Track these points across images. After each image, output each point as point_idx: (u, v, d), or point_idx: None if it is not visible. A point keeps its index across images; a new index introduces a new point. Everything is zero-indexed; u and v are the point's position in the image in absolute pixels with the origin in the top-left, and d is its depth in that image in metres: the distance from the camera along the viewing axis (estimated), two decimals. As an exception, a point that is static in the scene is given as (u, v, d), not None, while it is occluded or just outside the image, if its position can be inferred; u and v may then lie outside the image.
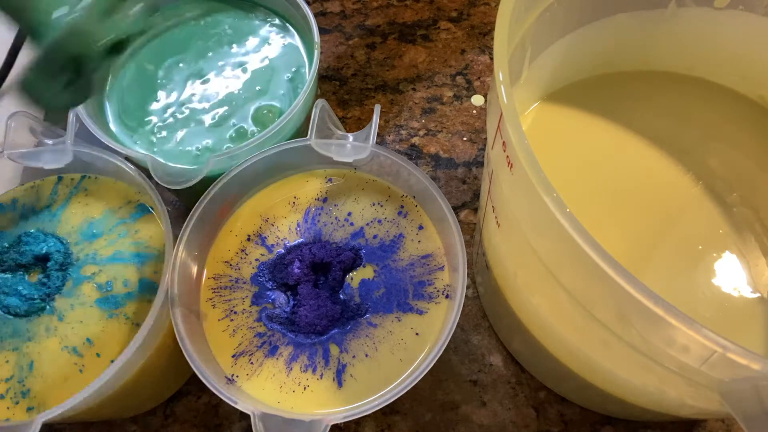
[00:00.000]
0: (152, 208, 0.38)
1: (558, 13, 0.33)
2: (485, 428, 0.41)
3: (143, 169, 0.38)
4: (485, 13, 0.58)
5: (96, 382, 0.31)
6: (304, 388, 0.34)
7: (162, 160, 0.39)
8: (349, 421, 0.41)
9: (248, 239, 0.39)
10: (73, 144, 0.38)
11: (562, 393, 0.41)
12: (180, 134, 0.42)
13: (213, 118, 0.43)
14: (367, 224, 0.39)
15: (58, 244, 0.37)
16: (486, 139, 0.36)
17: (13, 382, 0.34)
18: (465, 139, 0.51)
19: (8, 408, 0.34)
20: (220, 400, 0.41)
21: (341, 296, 0.37)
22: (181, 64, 0.45)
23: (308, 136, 0.38)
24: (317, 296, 0.36)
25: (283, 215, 0.40)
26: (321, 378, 0.34)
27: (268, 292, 0.37)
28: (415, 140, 0.51)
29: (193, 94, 0.44)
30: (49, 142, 0.39)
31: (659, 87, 0.41)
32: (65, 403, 0.31)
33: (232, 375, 0.35)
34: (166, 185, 0.36)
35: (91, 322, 0.35)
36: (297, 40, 0.46)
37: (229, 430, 0.41)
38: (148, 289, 0.36)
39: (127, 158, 0.39)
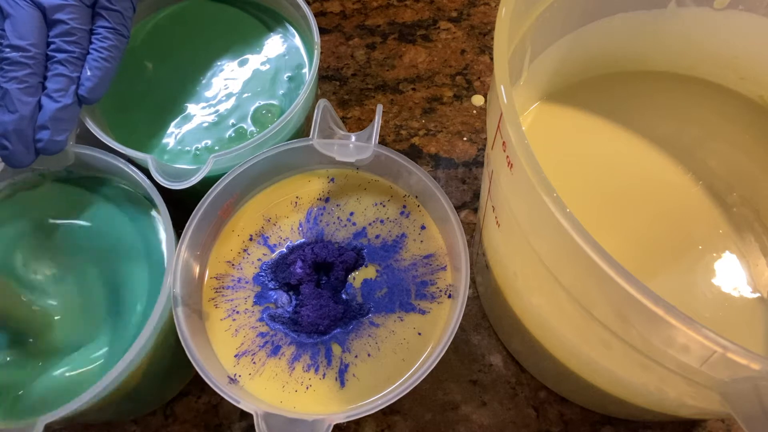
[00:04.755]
0: (154, 208, 0.38)
1: (558, 13, 0.33)
2: (485, 428, 0.41)
3: (143, 170, 0.38)
4: (485, 13, 0.58)
5: (99, 383, 0.31)
6: (307, 388, 0.34)
7: (161, 161, 0.39)
8: (350, 421, 0.41)
9: (250, 239, 0.39)
10: (74, 145, 0.38)
11: (562, 393, 0.41)
12: (179, 134, 0.42)
13: (212, 118, 0.43)
14: (370, 224, 0.39)
15: None
16: (486, 139, 0.36)
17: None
18: (465, 139, 0.51)
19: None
20: (221, 399, 0.41)
21: (343, 296, 0.37)
22: (180, 64, 0.45)
23: (311, 136, 0.38)
24: (319, 296, 0.36)
25: (285, 215, 0.40)
26: (323, 378, 0.34)
27: (270, 292, 0.37)
28: (415, 140, 0.52)
29: (192, 94, 0.44)
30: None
31: (659, 87, 0.41)
32: (66, 406, 0.31)
33: (235, 375, 0.35)
34: (165, 185, 0.36)
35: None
36: (297, 40, 0.46)
37: (229, 430, 0.41)
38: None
39: (127, 158, 0.39)
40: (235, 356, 0.35)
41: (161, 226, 0.37)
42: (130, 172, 0.37)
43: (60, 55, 0.35)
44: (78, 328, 0.36)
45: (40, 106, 0.35)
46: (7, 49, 0.34)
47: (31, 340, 0.35)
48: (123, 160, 0.38)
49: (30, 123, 0.34)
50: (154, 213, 0.38)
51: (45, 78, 0.35)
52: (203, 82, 0.44)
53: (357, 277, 0.37)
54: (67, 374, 0.34)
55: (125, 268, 0.37)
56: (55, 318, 0.36)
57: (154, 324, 0.33)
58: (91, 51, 0.36)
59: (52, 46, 0.35)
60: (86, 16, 0.36)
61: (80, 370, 0.34)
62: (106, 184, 0.40)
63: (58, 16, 0.35)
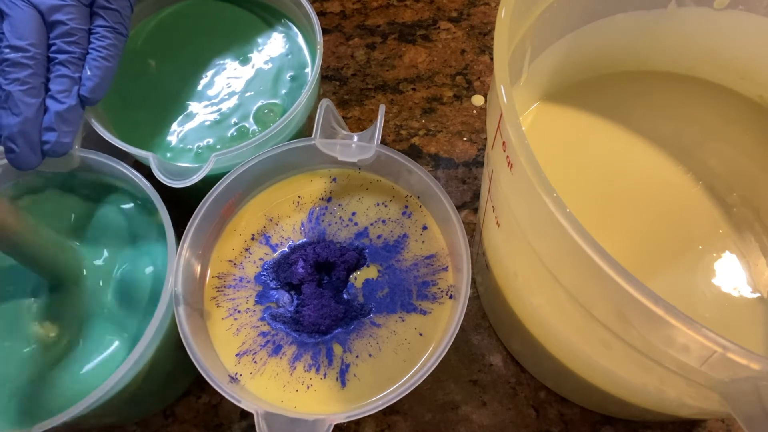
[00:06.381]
0: (155, 210, 0.38)
1: (558, 13, 0.33)
2: (485, 428, 0.41)
3: (145, 170, 0.38)
4: (485, 13, 0.58)
5: (100, 388, 0.31)
6: (308, 388, 0.34)
7: (164, 159, 0.39)
8: (350, 421, 0.41)
9: (252, 238, 0.39)
10: (79, 149, 0.38)
11: (562, 393, 0.41)
12: (181, 132, 0.42)
13: (215, 117, 0.43)
14: (372, 224, 0.39)
15: None
16: (486, 139, 0.36)
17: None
18: (465, 139, 0.51)
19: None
20: (221, 399, 0.41)
21: (345, 296, 0.37)
22: (182, 62, 0.45)
23: (313, 136, 0.38)
24: (321, 296, 0.36)
25: (287, 215, 0.40)
26: (324, 377, 0.35)
27: (272, 292, 0.37)
28: (415, 140, 0.52)
29: (194, 92, 0.44)
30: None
31: (659, 87, 0.41)
32: (65, 412, 0.31)
33: (236, 374, 0.35)
34: (167, 183, 0.36)
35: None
36: (300, 40, 0.46)
37: (229, 430, 0.41)
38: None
39: (130, 156, 0.39)
40: (236, 355, 0.35)
41: (162, 228, 0.37)
42: (131, 175, 0.37)
43: (61, 56, 0.35)
44: (79, 328, 0.36)
45: (45, 107, 0.35)
46: (7, 50, 0.34)
47: (67, 287, 0.36)
48: (124, 164, 0.37)
49: (35, 125, 0.34)
50: (155, 215, 0.38)
51: (47, 80, 0.35)
52: (206, 80, 0.45)
53: (358, 277, 0.37)
54: (68, 377, 0.34)
55: (126, 270, 0.37)
56: (84, 261, 0.37)
57: (156, 326, 0.33)
58: (90, 51, 0.36)
59: (53, 48, 0.35)
60: (85, 16, 0.36)
61: (79, 373, 0.34)
62: (107, 186, 0.40)
63: (57, 16, 0.35)
